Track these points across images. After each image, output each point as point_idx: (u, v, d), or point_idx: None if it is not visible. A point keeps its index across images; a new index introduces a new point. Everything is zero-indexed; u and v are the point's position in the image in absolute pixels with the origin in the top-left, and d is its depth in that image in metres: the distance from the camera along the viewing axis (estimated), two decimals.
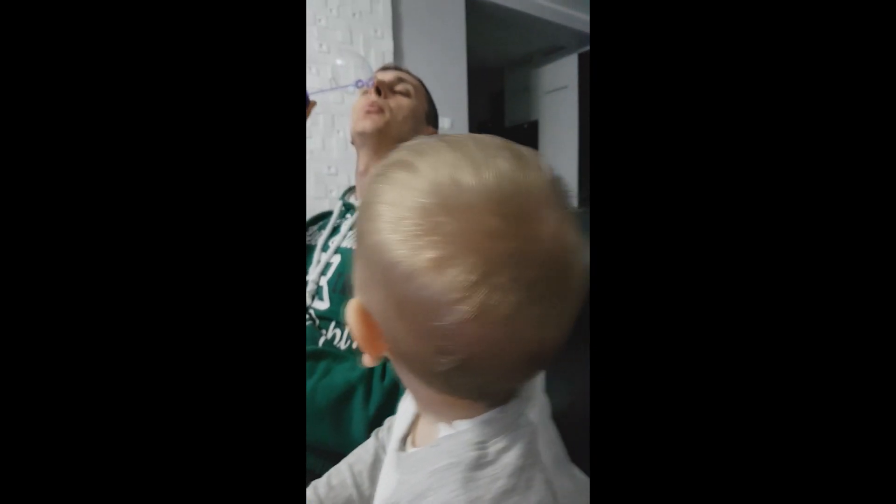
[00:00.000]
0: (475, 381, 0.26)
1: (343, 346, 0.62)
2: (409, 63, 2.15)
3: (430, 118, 0.80)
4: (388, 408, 0.51)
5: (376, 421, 0.49)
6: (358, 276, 0.27)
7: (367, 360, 0.28)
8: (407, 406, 0.36)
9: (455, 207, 0.23)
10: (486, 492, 0.24)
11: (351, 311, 0.27)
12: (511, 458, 0.26)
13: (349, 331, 0.31)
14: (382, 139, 0.71)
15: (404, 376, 0.29)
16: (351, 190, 0.83)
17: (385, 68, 0.80)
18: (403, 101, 0.74)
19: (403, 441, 0.34)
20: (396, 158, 0.27)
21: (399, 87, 0.75)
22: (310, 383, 0.53)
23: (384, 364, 0.54)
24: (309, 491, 0.40)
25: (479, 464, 0.25)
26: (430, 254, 0.22)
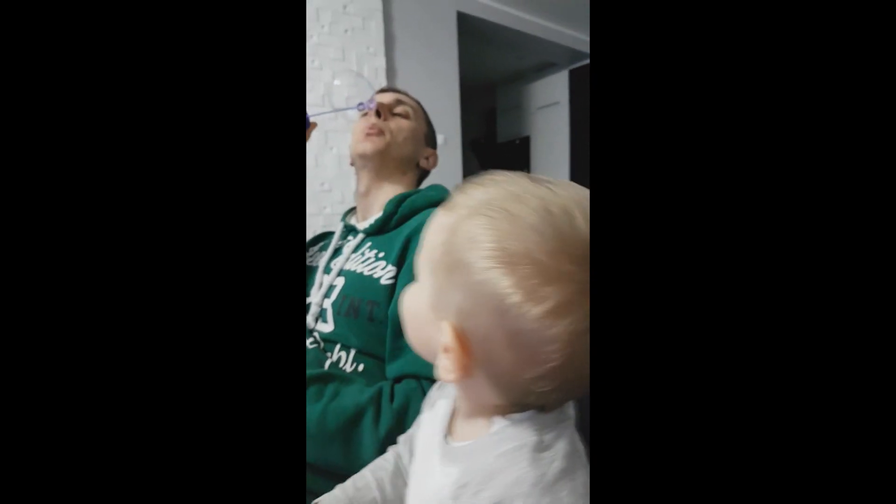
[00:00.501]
0: (556, 397, 0.30)
1: (349, 368, 0.62)
2: (402, 80, 2.15)
3: (429, 139, 0.80)
4: (398, 429, 0.50)
5: (387, 442, 0.50)
6: (445, 300, 0.29)
7: (453, 377, 0.29)
8: (438, 410, 0.38)
9: (575, 257, 0.26)
10: (549, 470, 0.28)
11: (447, 333, 0.29)
12: (562, 444, 0.29)
13: (430, 348, 0.32)
14: (383, 161, 0.71)
15: (479, 386, 0.30)
16: (351, 211, 0.81)
17: (384, 90, 0.81)
18: (403, 123, 0.74)
19: (444, 438, 0.36)
20: (488, 199, 0.29)
21: (399, 110, 0.75)
22: (318, 406, 0.53)
23: (392, 386, 0.54)
24: (337, 490, 0.43)
25: (540, 447, 0.29)
26: (551, 302, 0.26)
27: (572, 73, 3.11)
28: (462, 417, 0.35)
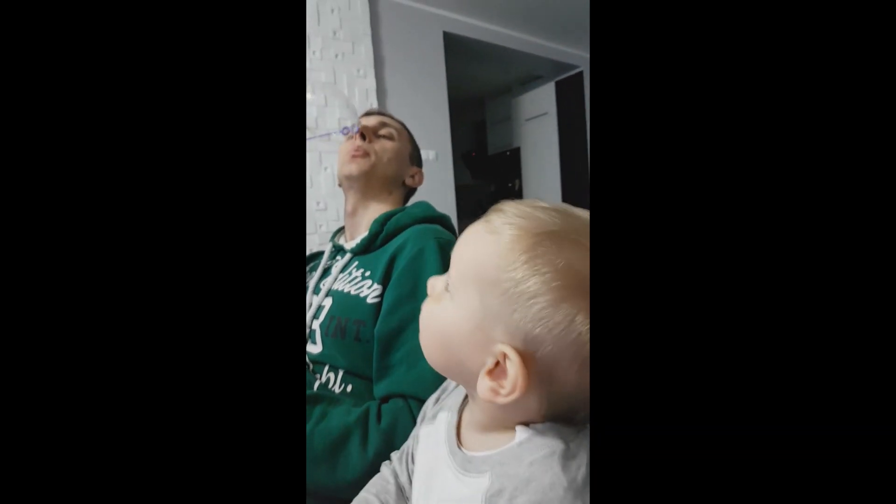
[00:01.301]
0: (588, 410, 0.31)
1: (338, 389, 0.63)
2: (392, 100, 2.21)
3: (413, 159, 0.83)
4: (386, 449, 0.51)
5: (376, 462, 0.50)
6: (503, 325, 0.30)
7: (511, 398, 0.30)
8: (440, 423, 0.39)
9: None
10: (578, 475, 0.29)
11: (514, 359, 0.29)
12: (584, 451, 0.30)
13: (463, 368, 0.32)
14: (369, 181, 0.74)
15: (524, 403, 0.31)
16: (340, 231, 0.83)
17: (369, 113, 0.83)
18: (388, 144, 0.77)
19: (454, 449, 0.37)
20: (546, 228, 0.30)
21: (383, 131, 0.78)
22: (307, 427, 0.53)
23: (379, 406, 0.55)
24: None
25: (568, 454, 0.30)
26: None
27: (558, 84, 3.18)
28: (476, 429, 0.36)
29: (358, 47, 2.07)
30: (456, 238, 0.75)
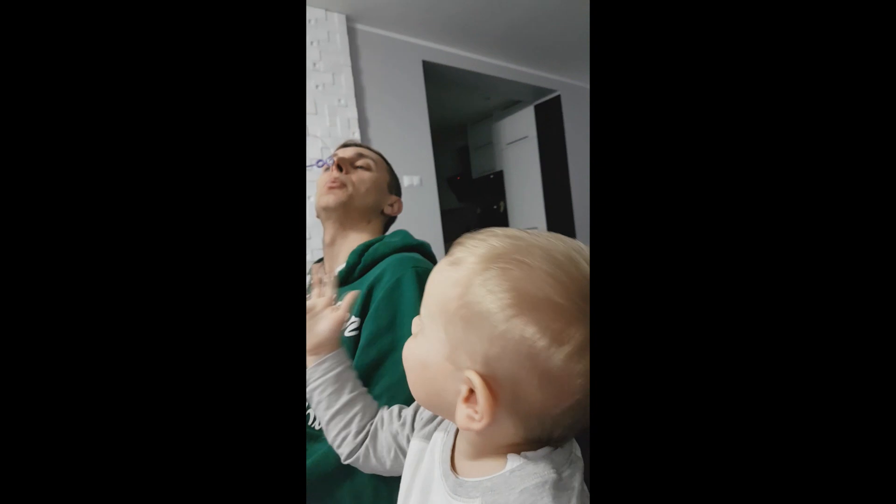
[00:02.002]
0: (576, 427, 0.32)
1: (318, 427, 0.61)
2: (374, 129, 2.24)
3: (392, 188, 0.83)
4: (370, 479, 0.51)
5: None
6: (466, 351, 0.31)
7: (482, 424, 0.30)
8: (436, 444, 0.40)
9: (586, 297, 0.29)
10: None
11: (476, 382, 0.30)
12: (576, 482, 0.31)
13: (441, 399, 0.33)
14: (346, 212, 0.74)
15: (501, 427, 0.32)
16: (319, 262, 0.83)
17: (346, 145, 0.84)
18: (365, 175, 0.77)
19: (447, 472, 0.38)
20: (497, 252, 0.31)
21: (360, 162, 0.78)
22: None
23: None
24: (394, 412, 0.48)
25: (559, 485, 0.30)
26: (575, 341, 0.29)
27: (538, 109, 3.26)
28: (467, 456, 0.36)
29: (338, 78, 2.10)
30: (435, 264, 0.75)
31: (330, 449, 0.52)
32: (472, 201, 4.02)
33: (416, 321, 0.37)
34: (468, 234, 0.34)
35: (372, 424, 0.48)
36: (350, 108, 2.13)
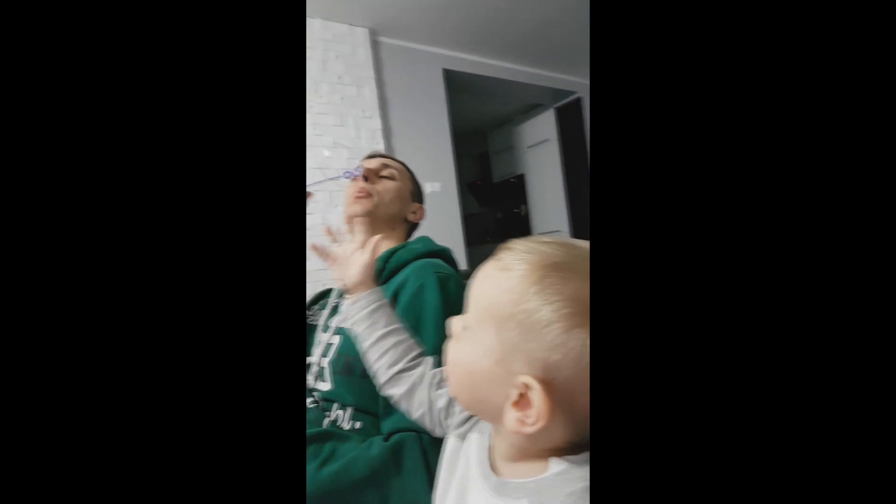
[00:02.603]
0: None
1: (346, 426, 0.64)
2: (397, 138, 2.30)
3: (414, 195, 0.87)
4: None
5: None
6: (522, 356, 0.31)
7: (538, 426, 0.31)
8: (472, 444, 0.41)
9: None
10: None
11: (536, 388, 0.30)
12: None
13: (489, 404, 0.34)
14: (372, 220, 0.78)
15: (551, 430, 0.32)
16: None
17: (371, 156, 0.88)
18: (389, 185, 0.82)
19: (487, 472, 0.38)
20: (551, 261, 0.32)
21: (385, 173, 0.83)
22: (312, 466, 0.54)
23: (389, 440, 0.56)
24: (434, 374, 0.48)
25: None
26: None
27: (558, 111, 3.27)
28: (507, 458, 0.36)
29: (362, 90, 2.18)
30: (457, 269, 0.79)
31: (359, 453, 0.54)
32: (493, 205, 4.04)
33: (455, 323, 0.37)
34: (515, 240, 0.35)
35: (408, 364, 0.50)
36: (374, 118, 2.20)
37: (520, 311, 0.31)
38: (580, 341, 0.30)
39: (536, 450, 0.34)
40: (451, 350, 0.37)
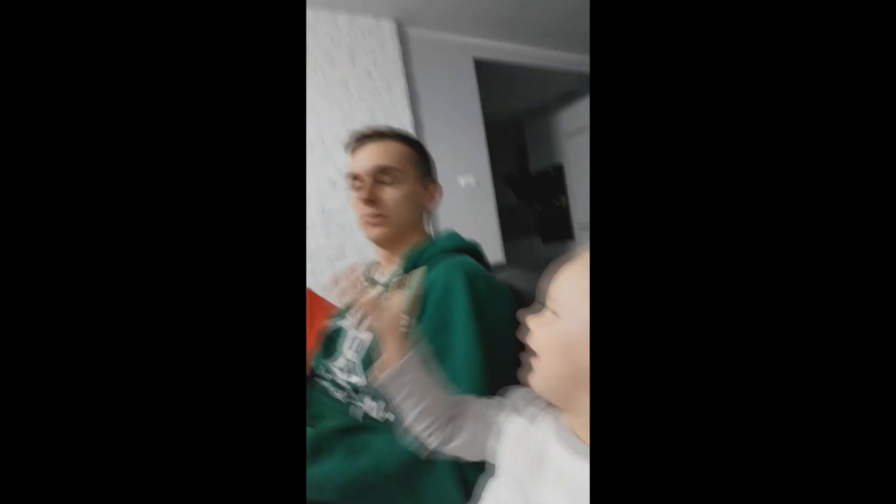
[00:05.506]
0: None
1: (379, 417, 0.63)
2: (429, 132, 2.26)
3: (423, 178, 0.78)
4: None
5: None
6: (563, 339, 0.37)
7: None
8: (541, 423, 0.43)
9: None
10: None
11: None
12: None
13: (581, 374, 0.36)
14: (393, 239, 0.74)
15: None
16: (374, 263, 0.84)
17: (359, 139, 0.75)
18: (396, 193, 0.73)
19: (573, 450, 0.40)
20: None
21: (385, 178, 0.73)
22: (344, 460, 0.53)
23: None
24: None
25: None
26: None
27: None
28: (577, 426, 0.39)
29: (392, 85, 2.14)
30: (486, 265, 0.73)
31: (390, 448, 0.53)
32: (532, 198, 3.94)
33: (536, 318, 0.40)
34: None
35: (453, 422, 0.47)
36: (405, 113, 2.16)
37: None
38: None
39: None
40: (544, 333, 0.39)
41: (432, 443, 0.46)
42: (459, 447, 0.46)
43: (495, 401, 0.47)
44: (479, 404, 0.47)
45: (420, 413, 0.46)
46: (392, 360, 0.46)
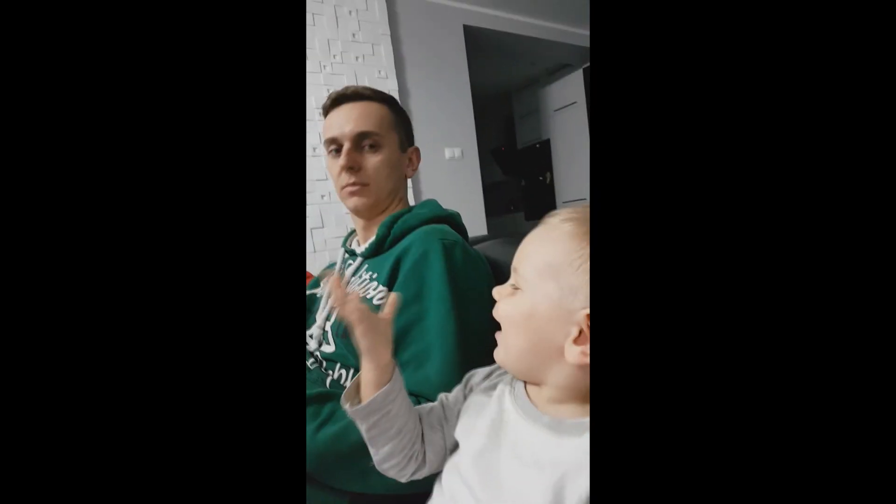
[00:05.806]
0: None
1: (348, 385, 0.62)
2: (415, 100, 2.20)
3: (405, 144, 0.75)
4: None
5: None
6: (579, 294, 0.35)
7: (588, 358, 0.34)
8: (501, 392, 0.42)
9: None
10: None
11: (584, 321, 0.34)
12: None
13: (549, 345, 0.36)
14: (373, 208, 0.72)
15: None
16: (352, 234, 0.81)
17: (337, 100, 0.71)
18: (378, 160, 0.69)
19: (536, 415, 0.40)
20: (582, 217, 0.37)
21: (366, 143, 0.69)
22: (311, 428, 0.52)
23: None
24: (441, 397, 0.48)
25: None
26: None
27: (587, 72, 3.08)
28: (555, 401, 0.38)
29: (378, 49, 2.07)
30: (465, 236, 0.72)
31: (345, 428, 0.51)
32: (517, 173, 3.91)
33: (503, 288, 0.40)
34: (556, 211, 0.40)
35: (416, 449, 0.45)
36: (391, 79, 2.10)
37: (576, 256, 0.35)
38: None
39: (585, 390, 0.36)
40: (506, 305, 0.39)
41: (403, 477, 0.44)
42: (429, 470, 0.45)
43: (454, 395, 0.46)
44: (429, 416, 0.45)
45: (389, 453, 0.43)
46: (369, 389, 0.41)
